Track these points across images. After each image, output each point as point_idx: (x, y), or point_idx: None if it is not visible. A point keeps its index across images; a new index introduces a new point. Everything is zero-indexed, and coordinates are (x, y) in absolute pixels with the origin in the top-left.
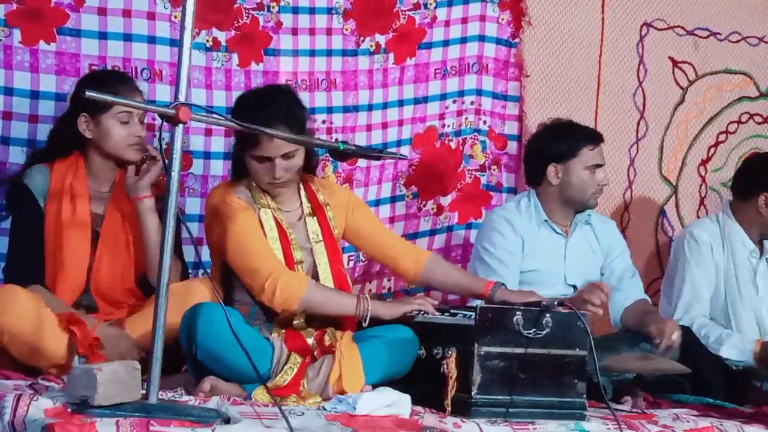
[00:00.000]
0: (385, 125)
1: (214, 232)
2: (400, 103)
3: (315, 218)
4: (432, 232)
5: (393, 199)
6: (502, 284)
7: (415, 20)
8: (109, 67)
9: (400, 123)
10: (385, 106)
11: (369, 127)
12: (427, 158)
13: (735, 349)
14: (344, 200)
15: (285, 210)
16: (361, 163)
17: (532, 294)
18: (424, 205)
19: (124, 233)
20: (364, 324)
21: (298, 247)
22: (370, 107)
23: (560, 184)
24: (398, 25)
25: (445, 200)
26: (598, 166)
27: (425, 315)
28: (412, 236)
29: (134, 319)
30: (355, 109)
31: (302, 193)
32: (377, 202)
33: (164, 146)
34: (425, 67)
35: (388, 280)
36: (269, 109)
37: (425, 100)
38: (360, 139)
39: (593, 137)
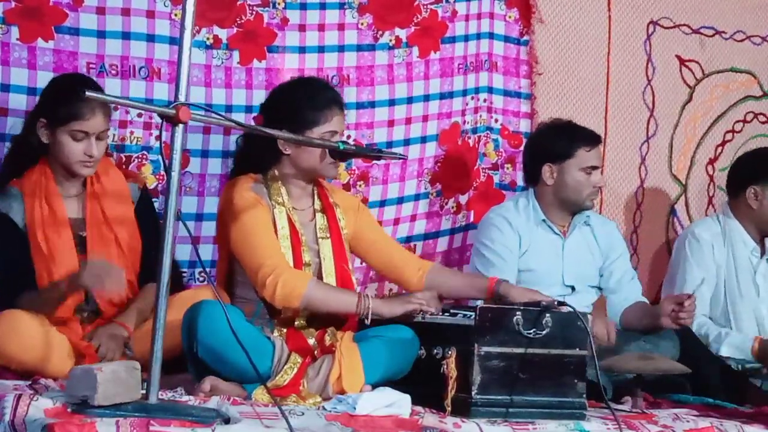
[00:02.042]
0: (408, 120)
1: (224, 223)
2: (426, 98)
3: (324, 215)
4: (451, 231)
5: (417, 197)
6: (505, 280)
7: (437, 13)
8: (106, 66)
9: (425, 118)
10: (409, 101)
11: (391, 123)
12: (451, 155)
13: (734, 347)
14: (354, 204)
15: (299, 209)
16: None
17: (536, 292)
18: (446, 203)
19: (111, 231)
20: (366, 322)
21: (308, 248)
22: (391, 102)
23: (555, 184)
24: (420, 18)
25: (463, 198)
26: (594, 168)
27: (426, 316)
28: (434, 235)
29: (141, 329)
30: (372, 105)
31: (315, 192)
32: (400, 200)
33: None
34: (450, 61)
35: None
36: (328, 91)
37: (451, 95)
38: (380, 136)
39: (591, 139)
